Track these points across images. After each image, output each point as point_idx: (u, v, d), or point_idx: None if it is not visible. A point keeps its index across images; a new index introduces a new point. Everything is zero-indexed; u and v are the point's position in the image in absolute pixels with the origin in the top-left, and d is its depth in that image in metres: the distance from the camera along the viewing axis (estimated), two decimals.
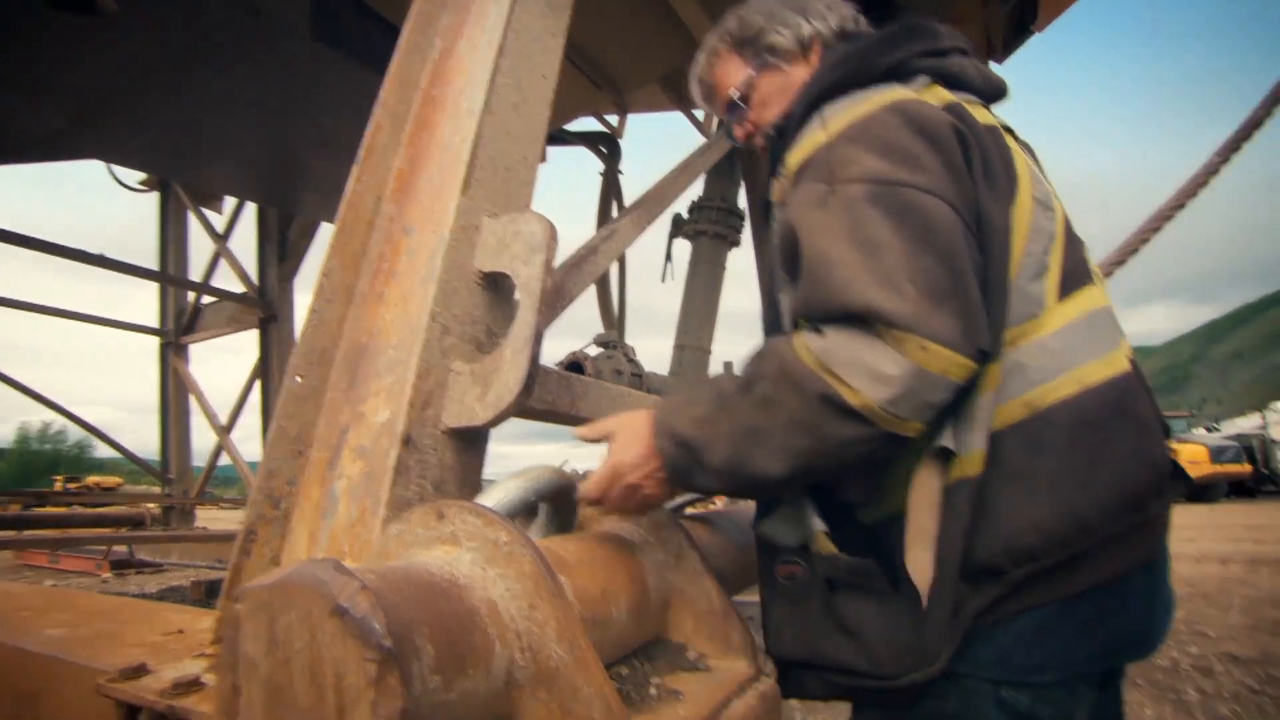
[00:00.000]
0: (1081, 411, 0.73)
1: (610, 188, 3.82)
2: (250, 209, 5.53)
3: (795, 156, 0.83)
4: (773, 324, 0.92)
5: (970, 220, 0.73)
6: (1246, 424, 26.38)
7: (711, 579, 0.77)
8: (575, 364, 2.67)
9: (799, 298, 0.74)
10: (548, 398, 1.24)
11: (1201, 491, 20.18)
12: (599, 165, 3.84)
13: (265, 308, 5.49)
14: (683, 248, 3.83)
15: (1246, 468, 20.88)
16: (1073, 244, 0.85)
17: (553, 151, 3.85)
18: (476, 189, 1.04)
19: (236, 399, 5.64)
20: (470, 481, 0.93)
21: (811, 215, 0.75)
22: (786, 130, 0.91)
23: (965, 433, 0.71)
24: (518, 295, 0.93)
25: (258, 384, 5.55)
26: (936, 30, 0.91)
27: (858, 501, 0.77)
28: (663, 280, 3.84)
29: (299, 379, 1.02)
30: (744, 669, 0.73)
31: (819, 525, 0.76)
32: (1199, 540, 8.96)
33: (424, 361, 0.90)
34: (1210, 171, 1.58)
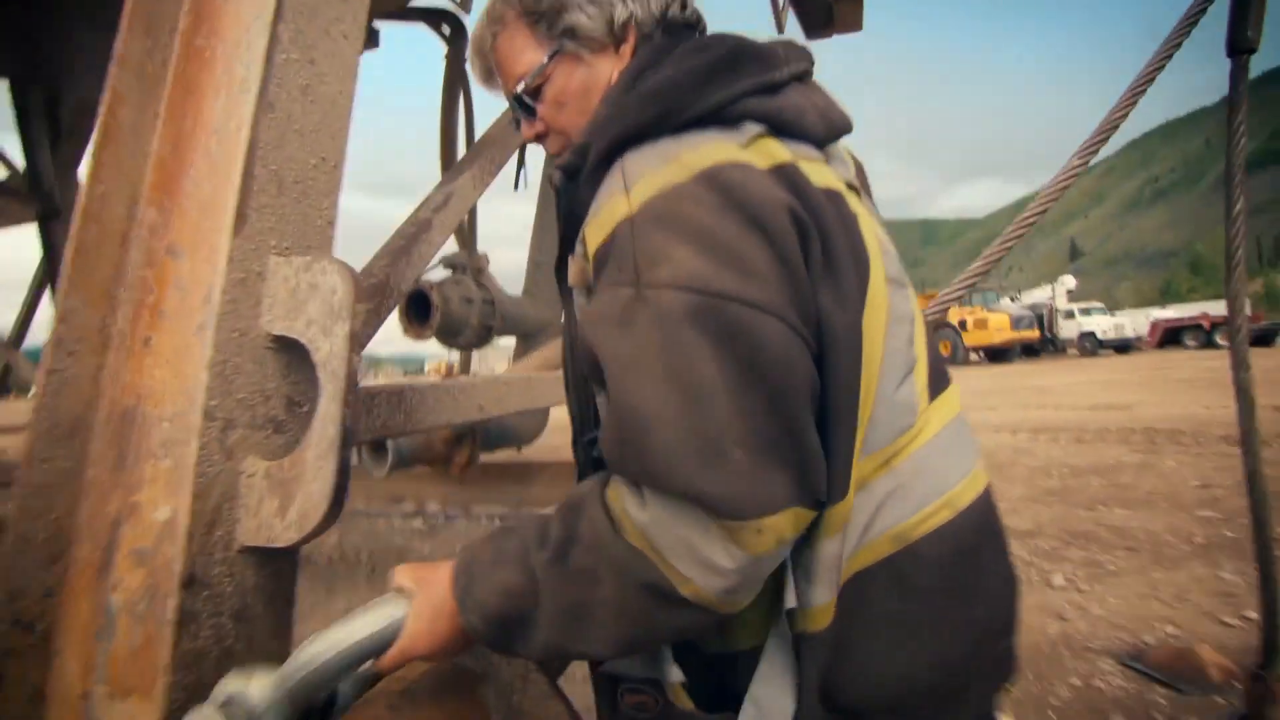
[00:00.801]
0: (955, 542, 0.66)
1: (456, 73, 3.36)
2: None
3: (595, 232, 0.65)
4: (583, 419, 0.77)
5: (808, 331, 0.61)
6: (1040, 295, 31.00)
7: (561, 699, 0.73)
8: (419, 294, 2.44)
9: (608, 444, 0.61)
10: (376, 424, 1.09)
11: (1002, 353, 23.76)
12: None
13: (44, 201, 4.52)
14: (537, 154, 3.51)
15: (1036, 333, 24.63)
16: (923, 322, 0.75)
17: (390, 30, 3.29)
18: (256, 221, 0.82)
19: (20, 311, 4.75)
20: (281, 597, 0.80)
21: (616, 340, 0.60)
22: (579, 171, 0.73)
23: (806, 584, 0.62)
24: (317, 372, 0.77)
25: (46, 292, 4.69)
26: (770, 53, 0.72)
27: (700, 638, 0.70)
28: (515, 189, 3.54)
29: (41, 465, 0.81)
30: None
31: (677, 675, 0.68)
32: (1001, 408, 10.37)
33: (203, 473, 0.73)
34: (1114, 125, 1.58)
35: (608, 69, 0.78)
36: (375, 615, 0.68)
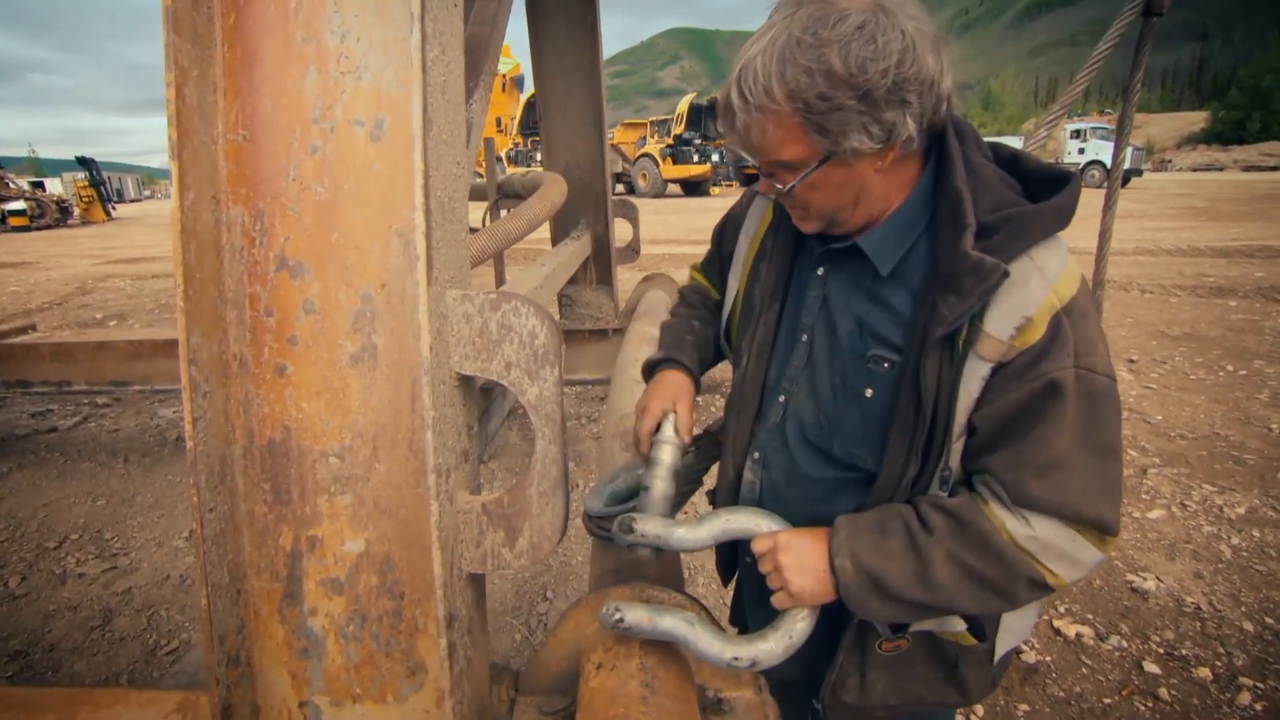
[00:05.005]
0: None
1: None
2: None
3: (1028, 322, 0.74)
4: (911, 454, 0.82)
5: None
6: None
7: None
8: None
9: (1011, 471, 0.76)
10: None
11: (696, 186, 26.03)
12: None
13: None
14: None
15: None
16: None
17: None
18: (437, 257, 0.77)
19: None
20: (484, 602, 0.88)
21: (1060, 410, 0.74)
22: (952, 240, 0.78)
23: None
24: (526, 411, 0.80)
25: None
26: None
27: None
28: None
29: (210, 514, 0.78)
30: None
31: (961, 624, 0.89)
32: None
33: (442, 541, 0.77)
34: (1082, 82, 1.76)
35: (868, 168, 0.80)
36: (772, 519, 0.88)
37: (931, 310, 0.78)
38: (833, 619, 0.89)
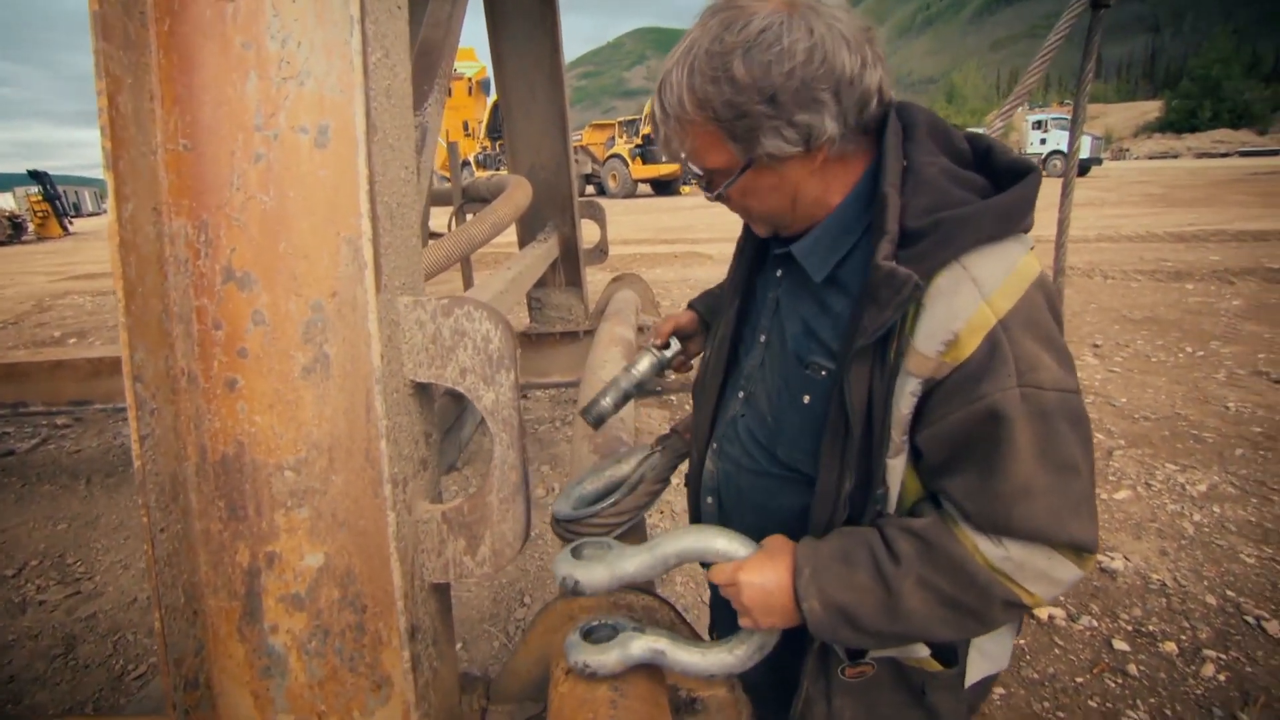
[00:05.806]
0: None
1: None
2: None
3: (955, 337, 0.70)
4: (844, 470, 0.79)
5: None
6: None
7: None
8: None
9: (972, 501, 0.73)
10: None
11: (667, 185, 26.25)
12: None
13: None
14: None
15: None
16: None
17: None
18: (387, 259, 0.76)
19: None
20: (449, 610, 0.87)
21: (1011, 435, 0.70)
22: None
23: None
24: (485, 416, 0.79)
25: None
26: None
27: None
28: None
29: (161, 535, 0.76)
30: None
31: (925, 650, 0.86)
32: None
33: (401, 551, 0.75)
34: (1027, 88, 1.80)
35: (797, 171, 0.78)
36: (728, 538, 0.84)
37: (858, 320, 0.75)
38: (797, 630, 0.86)
